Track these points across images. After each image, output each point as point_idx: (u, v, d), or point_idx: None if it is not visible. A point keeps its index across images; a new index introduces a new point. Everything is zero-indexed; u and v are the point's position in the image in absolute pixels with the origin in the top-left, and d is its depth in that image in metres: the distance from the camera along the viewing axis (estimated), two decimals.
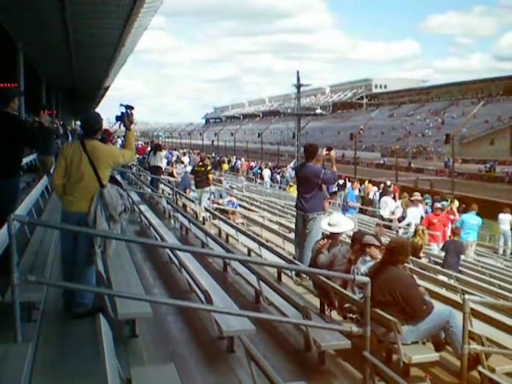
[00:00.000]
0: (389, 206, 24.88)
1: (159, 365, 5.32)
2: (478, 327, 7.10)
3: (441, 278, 11.93)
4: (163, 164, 25.31)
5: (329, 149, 10.76)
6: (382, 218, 25.96)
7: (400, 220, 23.84)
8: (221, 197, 22.07)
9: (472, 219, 19.06)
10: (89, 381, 4.62)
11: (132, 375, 4.13)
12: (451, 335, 6.52)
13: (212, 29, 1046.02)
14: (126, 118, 7.38)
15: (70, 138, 25.39)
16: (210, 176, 20.98)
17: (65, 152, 6.84)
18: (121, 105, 7.44)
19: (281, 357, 6.51)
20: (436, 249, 18.20)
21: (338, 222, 9.27)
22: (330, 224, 9.18)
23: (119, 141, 27.57)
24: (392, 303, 6.67)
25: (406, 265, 11.71)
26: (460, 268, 14.46)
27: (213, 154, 74.58)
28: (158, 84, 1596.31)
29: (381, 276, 6.75)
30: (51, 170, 12.87)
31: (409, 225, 22.56)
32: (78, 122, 53.40)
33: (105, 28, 19.00)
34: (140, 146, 41.78)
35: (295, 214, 11.03)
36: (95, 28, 18.93)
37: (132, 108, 7.45)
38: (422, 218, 21.12)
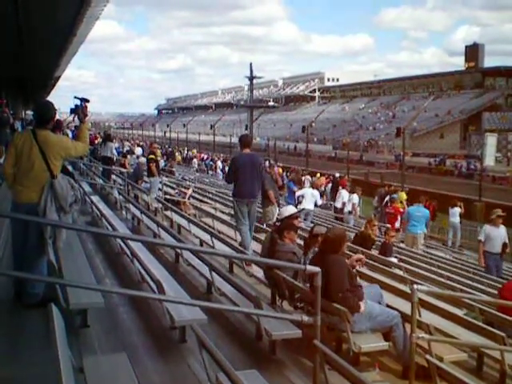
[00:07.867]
0: (341, 197, 24.99)
1: (111, 354, 5.31)
2: (426, 317, 7.26)
3: (395, 270, 12.04)
4: (114, 154, 25.03)
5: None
6: (335, 209, 26.28)
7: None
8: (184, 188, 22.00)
9: (417, 211, 18.92)
10: (41, 370, 4.60)
11: (84, 364, 4.14)
12: (395, 341, 6.66)
13: (164, 19, 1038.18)
14: (80, 110, 7.32)
15: (20, 127, 24.97)
16: (152, 166, 20.44)
17: (16, 141, 6.76)
18: (75, 97, 7.36)
19: (232, 346, 6.57)
20: None
21: (282, 210, 9.74)
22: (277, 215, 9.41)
23: (68, 132, 27.21)
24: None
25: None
26: (410, 260, 14.61)
27: (166, 146, 74.09)
28: (109, 74, 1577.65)
29: (319, 264, 6.81)
30: (1, 159, 12.68)
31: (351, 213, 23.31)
32: (29, 112, 52.60)
33: (57, 17, 18.68)
34: (93, 136, 41.31)
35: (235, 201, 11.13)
36: (47, 17, 18.58)
37: (87, 101, 7.38)
38: (505, 244, 15.29)
